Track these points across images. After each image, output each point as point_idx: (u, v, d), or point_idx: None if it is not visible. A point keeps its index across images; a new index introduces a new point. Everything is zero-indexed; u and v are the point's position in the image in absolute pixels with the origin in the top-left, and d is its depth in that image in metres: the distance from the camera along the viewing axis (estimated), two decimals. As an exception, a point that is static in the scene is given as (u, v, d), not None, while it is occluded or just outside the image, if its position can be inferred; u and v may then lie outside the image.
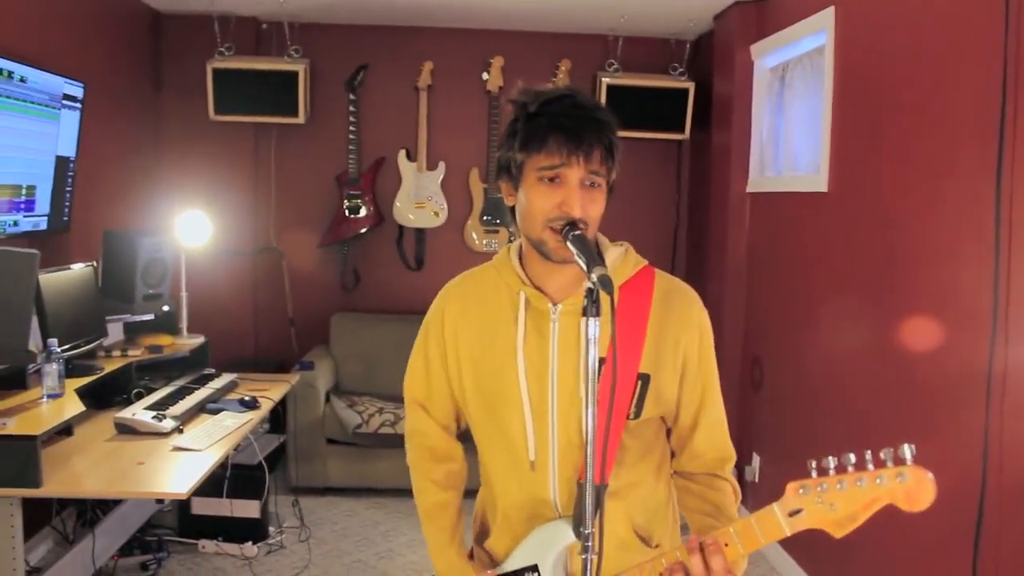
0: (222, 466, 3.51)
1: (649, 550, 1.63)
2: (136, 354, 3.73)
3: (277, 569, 3.91)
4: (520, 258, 1.63)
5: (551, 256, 1.49)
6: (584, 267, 1.35)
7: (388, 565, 4.01)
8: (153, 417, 3.11)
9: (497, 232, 5.41)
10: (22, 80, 3.35)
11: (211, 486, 3.86)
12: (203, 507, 4.02)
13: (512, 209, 1.59)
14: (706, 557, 1.37)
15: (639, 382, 1.55)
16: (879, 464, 1.23)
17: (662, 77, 5.24)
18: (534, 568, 1.59)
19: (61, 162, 3.72)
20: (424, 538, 1.78)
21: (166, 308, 4.10)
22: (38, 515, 3.70)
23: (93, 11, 4.30)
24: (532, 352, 1.57)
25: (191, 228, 4.27)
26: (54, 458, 2.76)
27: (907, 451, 1.21)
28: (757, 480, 4.36)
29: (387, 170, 5.44)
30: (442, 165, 5.41)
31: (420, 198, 5.38)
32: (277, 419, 4.68)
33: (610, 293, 1.29)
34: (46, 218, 3.67)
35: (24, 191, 3.50)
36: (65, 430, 2.99)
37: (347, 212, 5.33)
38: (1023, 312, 2.45)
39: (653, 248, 5.38)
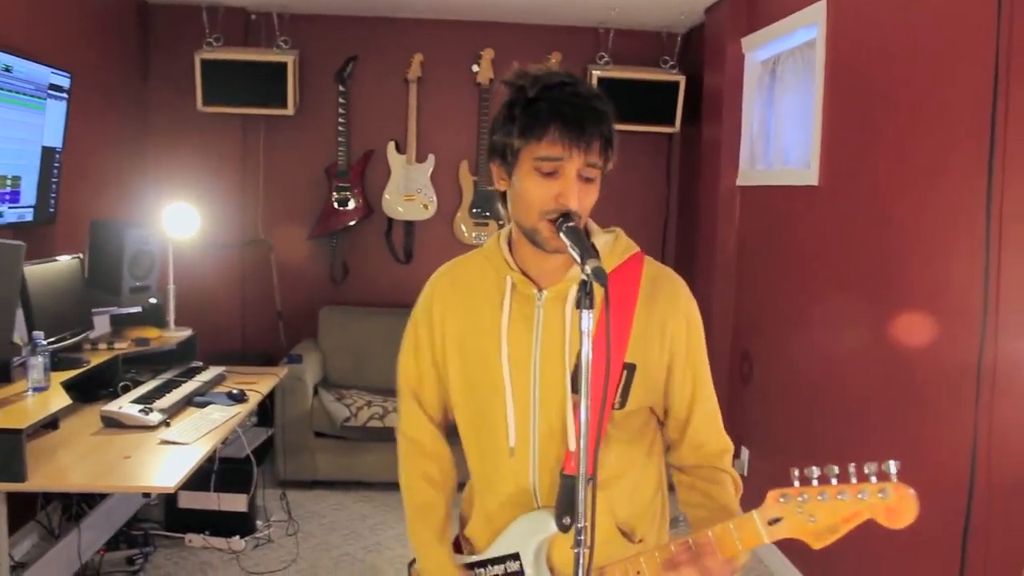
0: (209, 460, 3.47)
1: (631, 545, 1.61)
2: (123, 347, 3.69)
3: (265, 563, 3.89)
4: (509, 244, 1.61)
5: (544, 246, 1.48)
6: (578, 259, 1.33)
7: (376, 558, 4.00)
8: (140, 410, 3.08)
9: (486, 225, 5.39)
10: (7, 70, 3.31)
11: (198, 480, 3.83)
12: (190, 501, 4.00)
13: (503, 194, 1.56)
14: (699, 558, 1.37)
15: (624, 371, 1.53)
16: (862, 478, 1.23)
17: (653, 70, 5.23)
18: (515, 556, 1.58)
19: (47, 153, 3.68)
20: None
21: (153, 300, 4.07)
22: (23, 509, 3.67)
23: (80, 1, 4.26)
24: (516, 337, 1.55)
25: (179, 220, 4.24)
26: (39, 452, 2.73)
27: (892, 467, 1.21)
28: (746, 474, 4.36)
29: (376, 162, 5.41)
30: (431, 158, 5.39)
31: (409, 191, 5.35)
32: (265, 412, 4.65)
33: (604, 286, 1.28)
34: (32, 209, 3.64)
35: (9, 182, 3.46)
36: (51, 423, 2.96)
37: (336, 204, 5.30)
38: (1013, 307, 2.45)
39: (643, 241, 5.30)
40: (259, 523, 4.16)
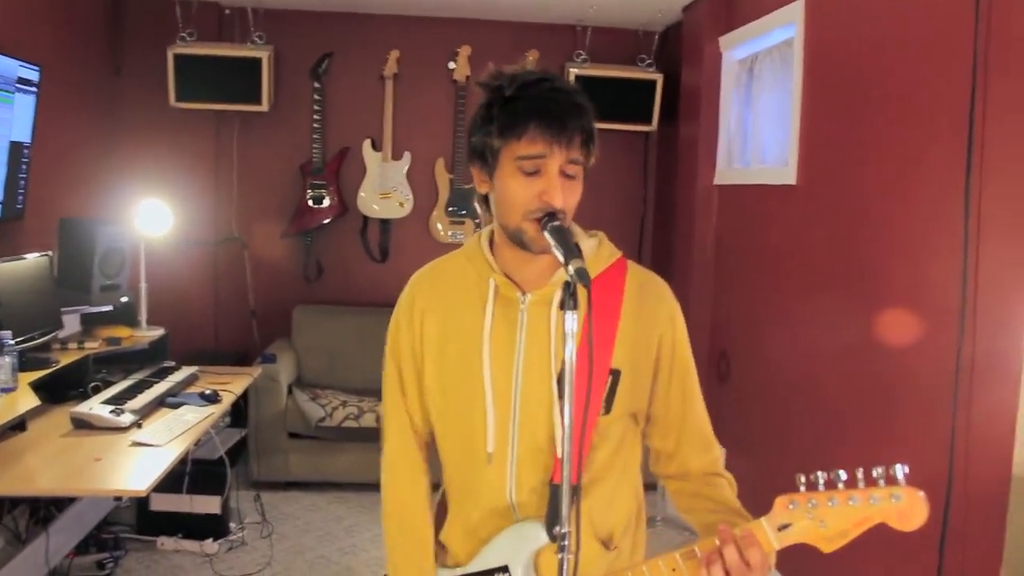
0: (182, 461, 3.42)
1: (607, 553, 1.58)
2: (93, 346, 3.63)
3: (238, 566, 3.83)
4: (491, 245, 1.58)
5: (530, 247, 1.44)
6: (562, 259, 1.31)
7: (351, 560, 3.95)
8: (111, 411, 3.02)
9: (463, 223, 5.36)
10: (-27, 62, 3.24)
11: (171, 481, 3.76)
12: (162, 503, 3.94)
13: (485, 197, 1.53)
14: (742, 550, 1.33)
15: (610, 377, 1.51)
16: (870, 482, 1.24)
17: (630, 68, 5.22)
18: (504, 569, 1.55)
19: (15, 148, 3.60)
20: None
21: (124, 299, 4.01)
22: (-11, 512, 3.59)
23: (48, -7, 4.18)
24: (498, 341, 1.52)
25: (151, 217, 4.17)
26: (6, 454, 2.67)
27: (899, 471, 1.23)
28: (723, 473, 4.36)
29: (352, 160, 5.36)
30: (407, 155, 5.35)
31: (385, 188, 5.31)
32: (238, 412, 4.59)
33: (587, 287, 1.25)
34: (-1, 206, 3.56)
35: (-25, 178, 3.38)
36: (18, 425, 2.89)
37: (311, 202, 5.25)
38: (991, 307, 2.45)
39: (619, 240, 5.31)
40: (232, 525, 4.11)
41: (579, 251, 1.33)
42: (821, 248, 3.46)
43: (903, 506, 1.23)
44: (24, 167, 3.69)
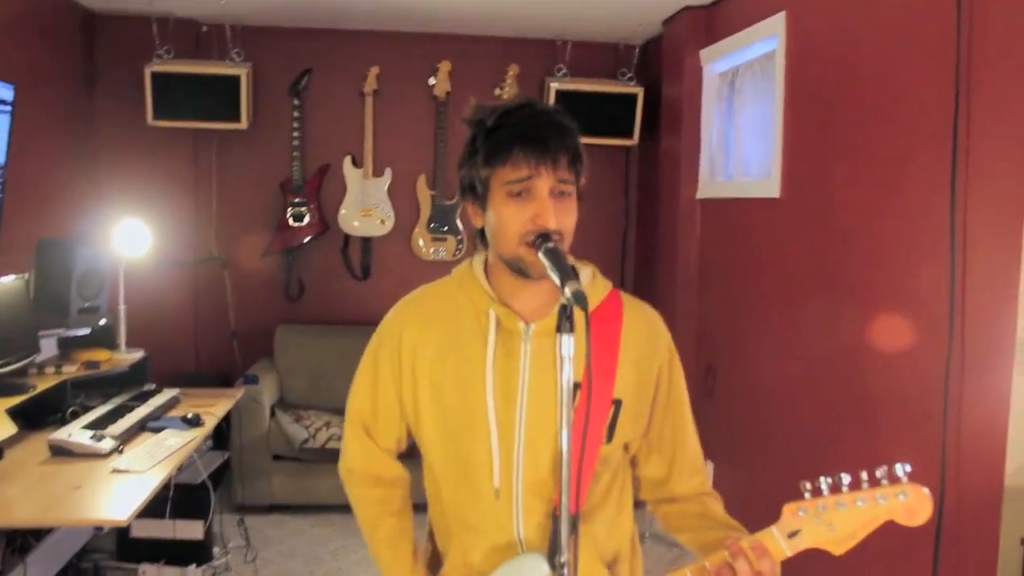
0: (164, 486, 3.35)
1: None
2: (71, 370, 3.56)
3: (222, 592, 3.77)
4: (485, 273, 1.55)
5: (529, 272, 1.42)
6: (557, 281, 1.29)
7: (338, 584, 3.89)
8: (90, 437, 2.95)
9: (445, 240, 5.32)
10: (-54, 83, 3.18)
11: (152, 507, 3.65)
12: (144, 529, 3.85)
13: (481, 231, 1.52)
14: (753, 561, 1.35)
15: (612, 407, 1.50)
16: (874, 483, 1.29)
17: (611, 82, 5.22)
18: None
19: (-11, 169, 3.54)
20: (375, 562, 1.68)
21: (103, 322, 3.93)
22: (-35, 543, 3.51)
23: (22, 10, 4.12)
24: (500, 374, 1.49)
25: (129, 237, 4.10)
26: (-17, 484, 2.60)
27: (903, 468, 1.28)
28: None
29: (332, 177, 5.32)
30: (388, 172, 5.31)
31: (366, 205, 5.27)
32: (221, 435, 4.52)
33: (585, 309, 1.24)
34: (-27, 228, 3.49)
35: (-51, 200, 3.31)
36: (-5, 453, 2.83)
37: (291, 220, 5.20)
38: (980, 318, 2.45)
39: (602, 255, 5.34)
40: (216, 550, 4.02)
41: (575, 273, 1.32)
42: (806, 260, 3.46)
43: (910, 502, 1.27)
44: (-1, 188, 3.63)
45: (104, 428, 3.08)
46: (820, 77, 3.40)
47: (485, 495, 1.50)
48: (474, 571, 1.55)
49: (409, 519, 1.69)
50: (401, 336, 1.58)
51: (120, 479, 2.74)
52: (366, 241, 5.38)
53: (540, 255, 1.36)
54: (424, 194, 5.35)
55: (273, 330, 5.18)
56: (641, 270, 5.48)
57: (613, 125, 5.17)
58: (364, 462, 1.69)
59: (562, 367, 1.27)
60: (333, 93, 5.30)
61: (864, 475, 1.29)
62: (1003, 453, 2.35)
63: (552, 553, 1.44)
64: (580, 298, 1.24)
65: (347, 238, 5.35)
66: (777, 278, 3.72)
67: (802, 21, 3.54)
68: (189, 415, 3.40)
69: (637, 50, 5.36)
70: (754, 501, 3.39)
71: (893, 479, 1.28)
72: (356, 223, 5.26)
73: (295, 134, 5.18)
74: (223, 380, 4.98)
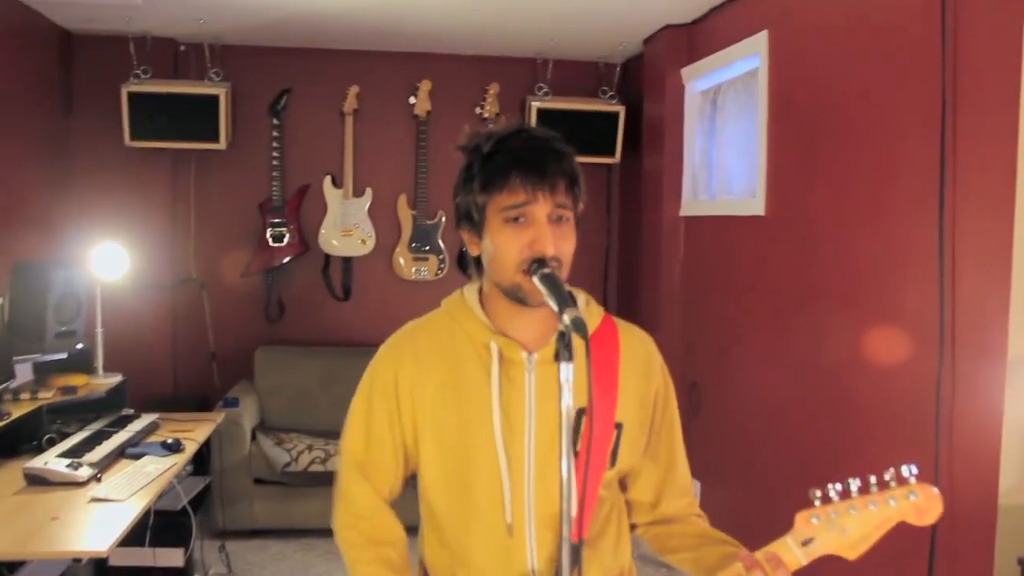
0: (144, 513, 3.29)
1: None
2: (47, 396, 3.49)
3: (203, 621, 3.69)
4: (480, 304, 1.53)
5: (527, 300, 1.40)
6: (555, 308, 1.27)
7: (322, 611, 3.83)
8: (67, 465, 2.88)
9: (426, 260, 5.29)
10: (-81, 104, 3.12)
11: (132, 535, 3.56)
12: (122, 557, 3.76)
13: (477, 259, 1.49)
14: (768, 572, 1.34)
15: (615, 431, 1.49)
16: (883, 486, 1.30)
17: (592, 101, 5.22)
18: None
19: (-38, 192, 3.48)
20: None
21: (80, 346, 3.86)
22: (-63, 575, 3.42)
23: (-3, 31, 4.07)
24: (505, 406, 1.46)
25: (106, 260, 4.03)
26: (-44, 515, 2.53)
27: (907, 470, 1.29)
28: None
29: (312, 197, 5.27)
30: (369, 191, 5.28)
31: (347, 225, 5.23)
32: (201, 459, 4.43)
33: (584, 336, 1.22)
34: (-54, 252, 3.43)
35: (-79, 224, 3.25)
36: (-31, 483, 2.75)
37: (271, 240, 5.15)
38: (970, 332, 2.44)
39: (584, 274, 5.33)
40: (197, 578, 3.95)
41: (573, 299, 1.31)
42: (792, 277, 3.45)
43: (920, 502, 1.28)
44: (-27, 211, 3.57)
45: (81, 456, 3.01)
46: (804, 94, 3.41)
47: (497, 531, 1.46)
48: None
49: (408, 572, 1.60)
50: (397, 378, 1.52)
51: (99, 508, 2.67)
52: (347, 261, 5.33)
53: (535, 280, 1.33)
54: (405, 213, 5.32)
55: (253, 352, 5.12)
56: (624, 288, 5.46)
57: (595, 143, 5.16)
58: (362, 508, 1.59)
59: (561, 395, 1.24)
60: (312, 113, 5.27)
61: (872, 479, 1.30)
62: (996, 470, 2.35)
63: None
64: (580, 325, 1.22)
65: (328, 258, 5.30)
66: (762, 295, 3.71)
67: (785, 39, 3.54)
68: (169, 440, 3.34)
69: (618, 68, 5.37)
70: (741, 519, 3.37)
71: (901, 481, 1.29)
72: (336, 243, 5.21)
73: (275, 154, 5.14)
74: (202, 403, 4.91)
